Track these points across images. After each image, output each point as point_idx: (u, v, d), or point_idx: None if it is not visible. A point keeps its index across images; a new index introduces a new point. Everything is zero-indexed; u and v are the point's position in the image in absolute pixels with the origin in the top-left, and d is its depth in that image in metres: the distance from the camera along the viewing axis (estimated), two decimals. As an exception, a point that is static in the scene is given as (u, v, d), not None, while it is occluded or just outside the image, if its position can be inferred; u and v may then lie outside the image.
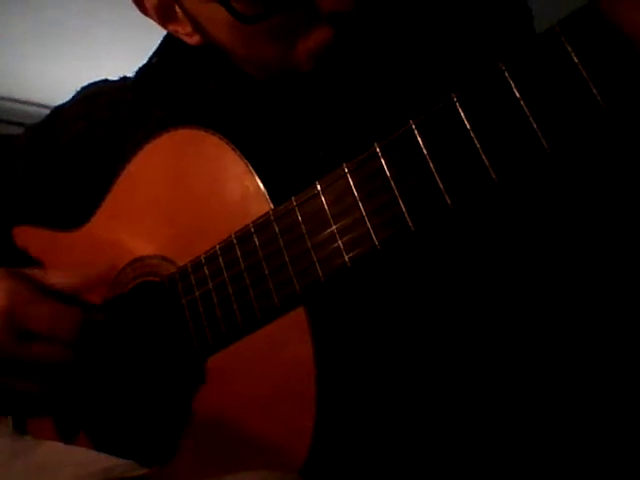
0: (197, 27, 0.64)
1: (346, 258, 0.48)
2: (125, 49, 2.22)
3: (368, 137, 0.47)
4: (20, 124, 2.74)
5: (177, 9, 0.64)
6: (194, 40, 0.66)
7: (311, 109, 0.63)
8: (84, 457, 0.57)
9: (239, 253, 0.55)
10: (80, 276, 0.67)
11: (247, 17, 0.54)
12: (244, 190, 0.56)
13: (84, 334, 0.62)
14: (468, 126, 0.41)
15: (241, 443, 0.54)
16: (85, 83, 0.87)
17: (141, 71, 0.76)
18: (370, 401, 0.53)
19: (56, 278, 0.66)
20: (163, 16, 0.66)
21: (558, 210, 0.57)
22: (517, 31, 0.63)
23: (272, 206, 0.53)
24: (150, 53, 0.76)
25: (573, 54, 0.37)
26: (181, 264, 0.61)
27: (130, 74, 0.79)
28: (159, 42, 0.75)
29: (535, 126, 0.38)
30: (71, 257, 0.75)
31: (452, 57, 0.60)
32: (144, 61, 0.76)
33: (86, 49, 2.68)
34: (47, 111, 0.90)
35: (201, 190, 0.61)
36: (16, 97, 3.02)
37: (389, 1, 0.58)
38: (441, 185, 0.43)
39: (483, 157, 0.41)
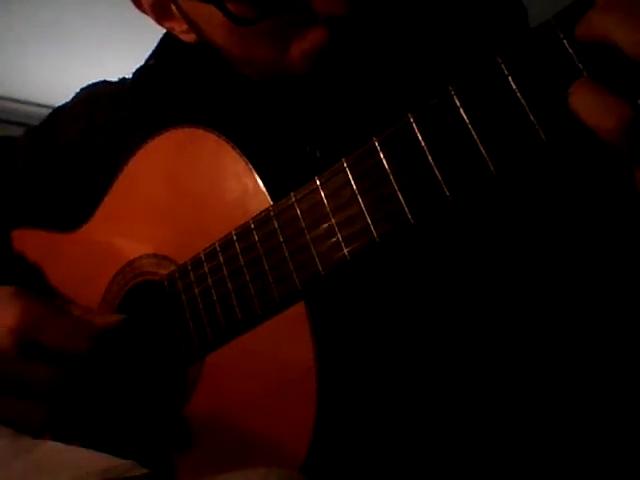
0: (192, 26, 0.64)
1: (345, 252, 0.48)
2: (125, 49, 2.22)
3: (366, 134, 0.47)
4: (20, 124, 2.74)
5: (173, 7, 0.64)
6: (190, 38, 0.66)
7: (309, 107, 0.63)
8: (84, 457, 0.56)
9: (239, 249, 0.55)
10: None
11: (242, 19, 0.55)
12: (243, 188, 0.56)
13: (96, 350, 0.62)
14: (466, 118, 0.41)
15: (241, 441, 0.53)
16: (85, 83, 0.87)
17: (138, 72, 0.76)
18: (371, 397, 0.52)
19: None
20: (159, 13, 0.66)
21: (558, 205, 0.57)
22: (512, 29, 0.63)
23: (271, 203, 0.53)
24: (150, 53, 0.76)
25: (568, 46, 0.37)
26: (181, 262, 0.61)
27: (130, 74, 0.79)
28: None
29: (532, 117, 0.38)
30: (70, 258, 0.75)
31: (448, 57, 0.60)
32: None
33: (86, 49, 2.68)
34: (47, 111, 0.90)
35: (201, 188, 0.60)
36: (16, 97, 3.02)
37: (384, 1, 0.58)
38: (440, 178, 0.43)
39: (481, 149, 0.40)
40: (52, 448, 0.60)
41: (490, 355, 0.55)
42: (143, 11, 0.67)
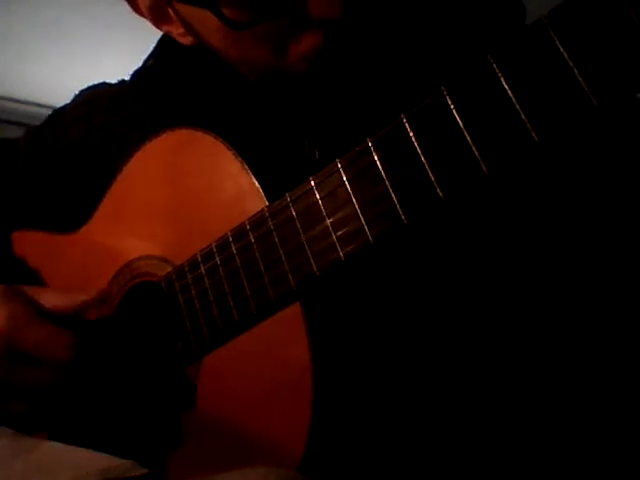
0: (189, 29, 0.64)
1: (340, 253, 0.48)
2: (125, 49, 2.22)
3: (362, 135, 0.47)
4: (20, 124, 2.74)
5: (170, 11, 0.64)
6: (187, 40, 0.66)
7: (305, 108, 0.63)
8: (83, 457, 0.57)
9: (235, 250, 0.55)
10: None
11: (236, 23, 0.55)
12: (239, 188, 0.56)
13: (77, 356, 0.63)
14: (458, 118, 0.41)
15: (239, 441, 0.53)
16: (85, 83, 0.87)
17: (137, 74, 0.76)
18: (367, 397, 0.52)
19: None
20: (156, 17, 0.66)
21: (553, 205, 0.57)
22: (509, 28, 0.63)
23: (267, 203, 0.53)
24: (149, 54, 0.76)
25: (560, 45, 0.37)
26: (179, 263, 0.61)
27: (130, 75, 0.79)
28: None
29: (524, 117, 0.38)
30: (70, 260, 0.75)
31: (444, 56, 0.60)
32: (144, 62, 0.76)
33: (86, 49, 2.68)
34: (47, 111, 0.91)
35: (197, 190, 0.61)
36: (16, 97, 3.03)
37: (379, 3, 0.58)
38: (432, 177, 0.43)
39: (473, 149, 0.41)
40: (52, 448, 0.60)
41: (486, 356, 0.55)
42: (140, 14, 0.68)
